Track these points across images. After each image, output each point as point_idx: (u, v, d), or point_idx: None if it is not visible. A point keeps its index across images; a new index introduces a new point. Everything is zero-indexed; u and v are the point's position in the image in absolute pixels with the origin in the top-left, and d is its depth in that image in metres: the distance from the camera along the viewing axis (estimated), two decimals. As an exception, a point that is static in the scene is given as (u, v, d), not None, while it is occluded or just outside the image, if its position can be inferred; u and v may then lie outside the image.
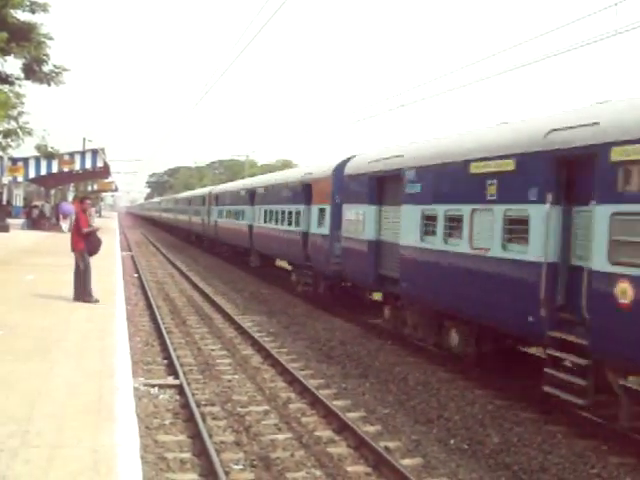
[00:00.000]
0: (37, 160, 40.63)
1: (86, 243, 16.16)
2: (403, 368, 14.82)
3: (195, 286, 28.98)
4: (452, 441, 10.64)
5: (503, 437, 10.68)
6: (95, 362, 10.11)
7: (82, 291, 15.73)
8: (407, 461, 9.64)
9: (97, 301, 15.60)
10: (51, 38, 32.39)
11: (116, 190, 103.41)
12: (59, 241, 30.85)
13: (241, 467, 9.24)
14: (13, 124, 32.06)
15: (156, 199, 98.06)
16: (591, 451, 10.01)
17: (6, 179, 45.22)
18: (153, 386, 12.80)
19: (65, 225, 48.84)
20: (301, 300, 24.55)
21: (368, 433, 10.53)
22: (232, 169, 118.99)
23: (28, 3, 30.60)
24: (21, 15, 31.09)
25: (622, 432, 10.34)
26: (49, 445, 6.59)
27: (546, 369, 10.98)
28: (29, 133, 33.25)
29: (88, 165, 41.97)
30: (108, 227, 50.26)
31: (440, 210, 14.27)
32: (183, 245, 59.10)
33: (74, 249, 16.24)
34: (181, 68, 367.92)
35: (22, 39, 30.51)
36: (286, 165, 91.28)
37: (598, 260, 9.79)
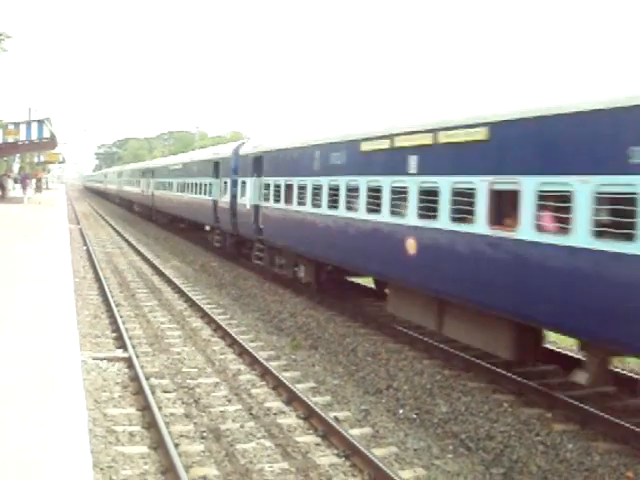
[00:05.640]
0: (-20, 130, 39.46)
1: None
2: (353, 339, 14.94)
3: (145, 258, 28.72)
4: (401, 411, 10.80)
5: (451, 406, 10.87)
6: (41, 336, 9.94)
7: None
8: (356, 431, 9.76)
9: None
10: None
11: (63, 162, 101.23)
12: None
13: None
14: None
15: (136, 165, 75.92)
16: (536, 419, 10.24)
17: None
18: (102, 359, 12.70)
19: (27, 196, 47.83)
20: (254, 273, 24.52)
21: (318, 404, 10.62)
22: (183, 140, 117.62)
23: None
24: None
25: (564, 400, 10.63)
26: (-7, 420, 6.48)
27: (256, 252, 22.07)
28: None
29: (34, 136, 40.84)
30: (56, 200, 49.27)
31: (249, 181, 24.42)
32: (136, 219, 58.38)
33: None
34: (130, 37, 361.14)
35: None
36: (236, 137, 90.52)
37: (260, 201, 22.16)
